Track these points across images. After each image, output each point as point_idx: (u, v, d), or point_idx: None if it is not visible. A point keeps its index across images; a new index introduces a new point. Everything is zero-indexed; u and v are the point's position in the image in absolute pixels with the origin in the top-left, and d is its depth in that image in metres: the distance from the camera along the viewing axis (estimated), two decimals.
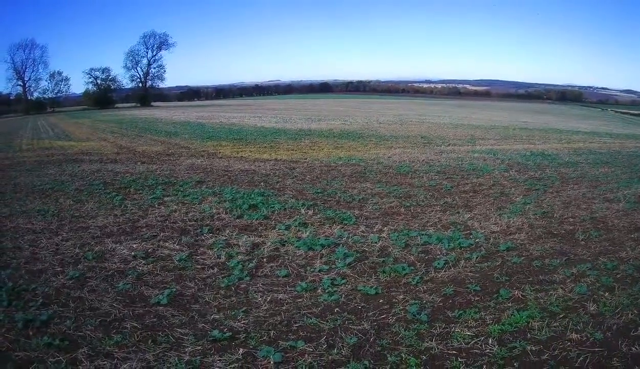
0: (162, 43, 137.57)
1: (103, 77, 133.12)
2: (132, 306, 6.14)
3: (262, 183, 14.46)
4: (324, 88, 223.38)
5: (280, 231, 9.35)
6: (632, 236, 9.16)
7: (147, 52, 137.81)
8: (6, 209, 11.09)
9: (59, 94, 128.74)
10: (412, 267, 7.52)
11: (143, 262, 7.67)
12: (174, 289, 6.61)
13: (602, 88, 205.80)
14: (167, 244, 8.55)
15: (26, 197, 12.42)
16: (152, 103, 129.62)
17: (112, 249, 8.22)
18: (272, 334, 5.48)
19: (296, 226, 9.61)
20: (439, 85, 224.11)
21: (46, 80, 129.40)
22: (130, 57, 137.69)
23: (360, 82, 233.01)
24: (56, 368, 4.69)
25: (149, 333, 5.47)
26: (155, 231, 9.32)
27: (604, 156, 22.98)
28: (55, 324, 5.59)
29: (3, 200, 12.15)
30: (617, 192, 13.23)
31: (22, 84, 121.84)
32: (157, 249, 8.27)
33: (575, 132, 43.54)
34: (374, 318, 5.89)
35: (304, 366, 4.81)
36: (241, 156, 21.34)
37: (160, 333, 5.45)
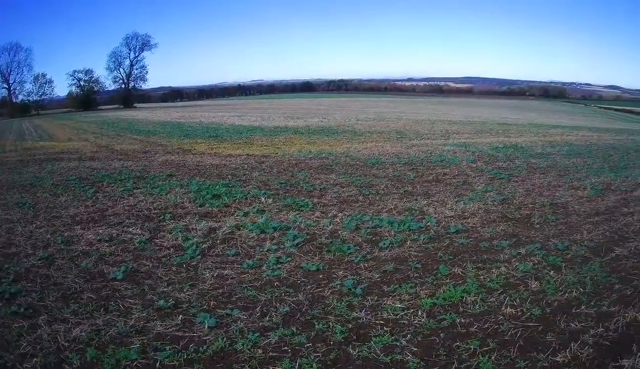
0: (144, 44, 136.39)
1: (86, 78, 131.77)
2: (91, 281, 6.66)
3: (229, 176, 14.84)
4: (306, 87, 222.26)
5: (238, 217, 9.79)
6: (591, 220, 9.39)
7: (129, 54, 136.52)
8: None
9: (43, 97, 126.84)
10: (358, 247, 7.94)
11: (106, 244, 8.20)
12: (130, 267, 7.14)
13: (586, 84, 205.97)
14: (130, 229, 9.03)
15: (6, 192, 12.88)
16: (135, 104, 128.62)
17: (80, 235, 8.72)
18: (212, 304, 5.98)
19: (254, 213, 10.04)
20: (422, 84, 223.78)
21: (31, 83, 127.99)
22: (113, 59, 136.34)
23: (342, 81, 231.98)
24: (19, 331, 5.25)
25: (103, 302, 6.01)
26: (121, 218, 9.80)
27: (579, 147, 23.08)
28: (22, 296, 6.16)
29: None
30: (585, 181, 13.44)
31: (7, 87, 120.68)
32: (121, 234, 8.77)
33: (554, 126, 43.29)
34: (310, 291, 6.34)
35: (235, 331, 5.27)
36: (215, 152, 21.60)
37: (112, 303, 5.99)
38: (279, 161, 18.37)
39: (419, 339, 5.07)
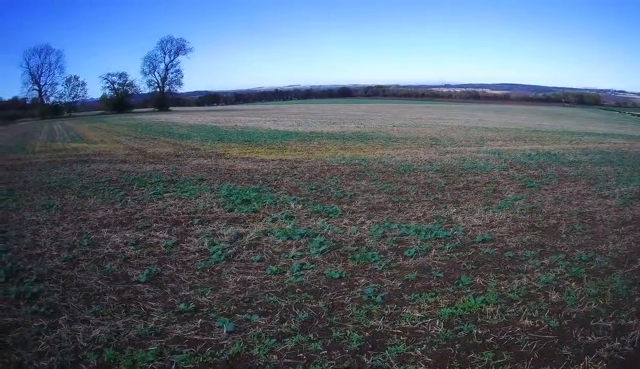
0: (179, 48, 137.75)
1: (120, 82, 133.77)
2: (114, 283, 6.77)
3: (260, 181, 14.92)
4: (343, 93, 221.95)
5: (267, 223, 9.83)
6: (618, 230, 9.33)
7: (164, 57, 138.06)
8: (14, 204, 11.79)
9: (75, 99, 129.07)
10: (382, 255, 7.92)
11: (132, 248, 8.30)
12: (154, 270, 7.22)
13: (620, 91, 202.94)
14: (157, 233, 9.14)
15: (34, 194, 13.09)
16: (170, 108, 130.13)
17: (107, 238, 8.84)
18: (232, 308, 6.03)
19: (282, 219, 10.09)
20: (458, 90, 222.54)
21: (62, 85, 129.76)
22: (148, 62, 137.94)
23: (379, 87, 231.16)
24: (38, 330, 5.35)
25: (124, 304, 6.09)
26: (149, 222, 9.93)
27: (610, 155, 22.82)
28: (44, 296, 6.28)
29: (12, 196, 12.82)
30: (614, 189, 13.32)
31: (38, 88, 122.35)
32: (148, 238, 8.88)
33: (587, 134, 42.89)
34: (331, 298, 6.35)
35: (253, 336, 5.31)
36: (248, 157, 21.75)
37: (133, 305, 6.08)
38: (312, 166, 18.44)
39: (434, 349, 5.06)
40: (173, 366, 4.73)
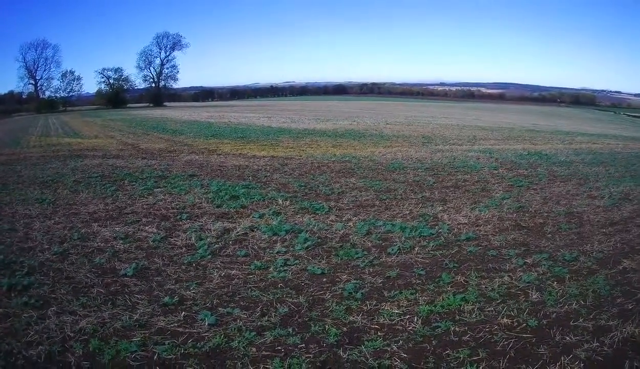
0: (175, 44, 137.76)
1: (115, 77, 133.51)
2: (102, 277, 6.92)
3: (250, 177, 15.05)
4: (338, 90, 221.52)
5: (254, 218, 9.97)
6: (604, 230, 9.33)
7: (160, 53, 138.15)
8: (7, 198, 11.95)
9: (71, 94, 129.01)
10: (366, 252, 8.04)
11: (121, 242, 8.45)
12: (142, 264, 7.38)
13: (616, 92, 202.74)
14: (146, 228, 9.29)
15: (27, 188, 13.23)
16: (165, 103, 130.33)
17: (97, 232, 8.99)
18: (215, 302, 6.18)
19: (270, 215, 10.21)
20: (454, 89, 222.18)
21: (58, 80, 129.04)
22: (143, 58, 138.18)
23: (374, 84, 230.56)
24: (28, 321, 5.52)
25: (111, 297, 6.25)
26: (139, 217, 10.07)
27: (603, 156, 22.79)
28: (34, 289, 6.45)
29: (6, 190, 12.98)
30: (604, 190, 13.31)
31: (34, 82, 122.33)
32: (137, 232, 9.03)
33: (580, 134, 42.88)
34: (312, 294, 6.47)
35: (234, 329, 5.46)
36: (240, 153, 21.87)
37: (120, 298, 6.23)
38: (302, 163, 18.57)
39: (410, 345, 5.15)
40: (155, 356, 4.88)
